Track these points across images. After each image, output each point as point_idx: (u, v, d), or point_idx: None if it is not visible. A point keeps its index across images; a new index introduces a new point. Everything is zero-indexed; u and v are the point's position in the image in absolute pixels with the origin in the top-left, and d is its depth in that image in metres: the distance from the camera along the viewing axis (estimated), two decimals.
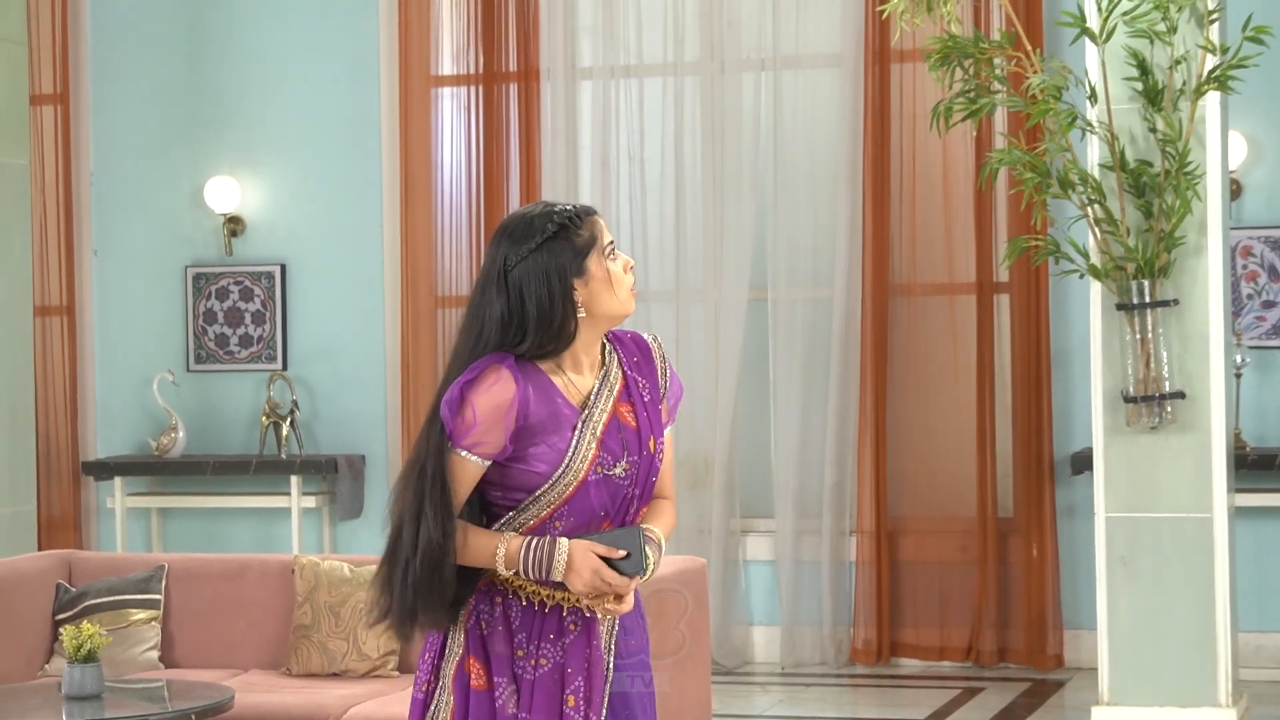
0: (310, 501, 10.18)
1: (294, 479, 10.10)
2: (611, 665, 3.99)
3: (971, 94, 7.53)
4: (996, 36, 7.84)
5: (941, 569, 9.58)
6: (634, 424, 3.99)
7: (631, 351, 4.07)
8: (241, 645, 7.22)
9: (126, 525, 10.36)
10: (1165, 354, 7.38)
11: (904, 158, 9.66)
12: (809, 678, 9.55)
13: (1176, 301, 7.38)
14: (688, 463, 9.87)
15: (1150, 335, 7.37)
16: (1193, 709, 7.43)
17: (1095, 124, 7.40)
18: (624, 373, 4.03)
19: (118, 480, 10.32)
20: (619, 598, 3.91)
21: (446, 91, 10.28)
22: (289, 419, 10.19)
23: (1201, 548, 7.43)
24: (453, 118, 10.26)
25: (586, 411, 3.95)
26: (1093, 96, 7.42)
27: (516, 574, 3.92)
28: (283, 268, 10.41)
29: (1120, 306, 7.39)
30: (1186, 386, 7.41)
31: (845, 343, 9.70)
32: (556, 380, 3.95)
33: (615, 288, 3.96)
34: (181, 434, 10.29)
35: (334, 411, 10.35)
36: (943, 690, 9.10)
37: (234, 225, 10.45)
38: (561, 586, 3.92)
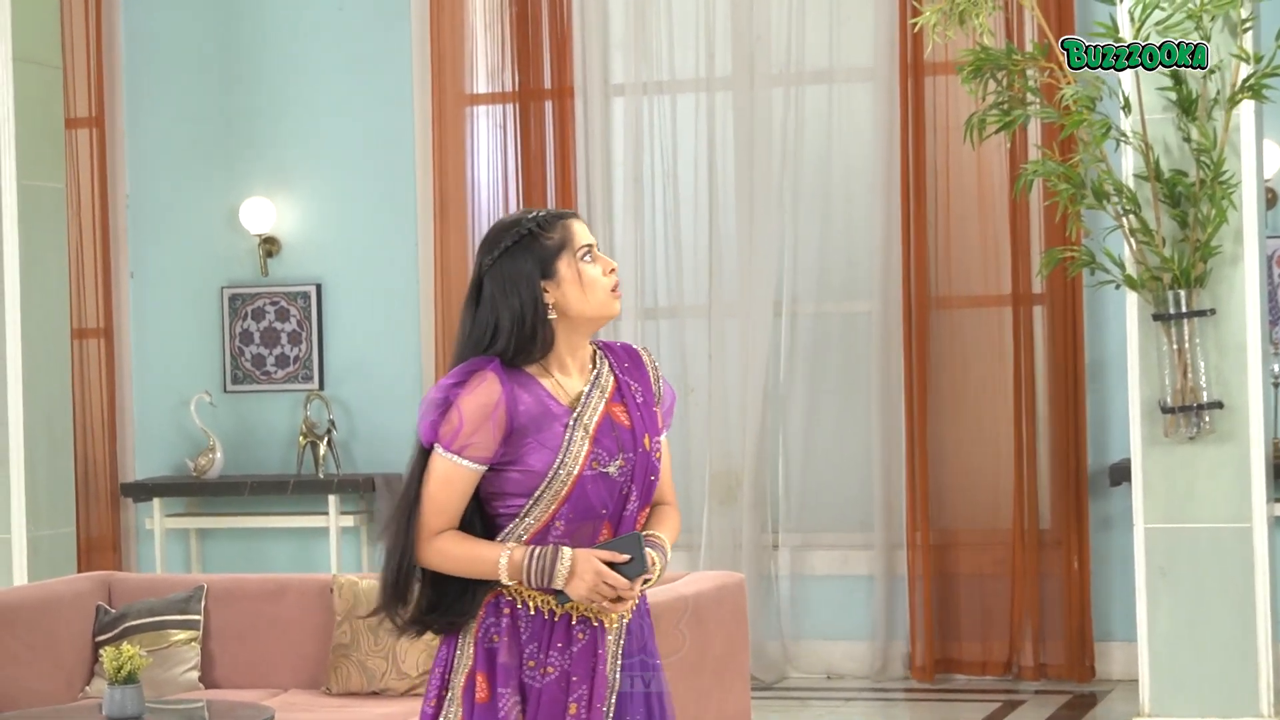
0: (348, 520, 10.19)
1: (331, 498, 10.12)
2: (617, 672, 4.02)
3: (1005, 106, 7.52)
4: (1029, 48, 7.83)
5: (980, 582, 9.55)
6: (628, 423, 4.03)
7: (622, 359, 4.11)
8: (281, 665, 7.23)
9: (165, 546, 10.39)
10: (1202, 364, 7.36)
11: (938, 170, 9.65)
12: (849, 692, 9.52)
13: (1213, 311, 7.36)
14: (721, 477, 9.87)
15: (1187, 345, 7.35)
16: None
17: (1129, 134, 7.39)
18: (615, 376, 4.08)
19: (156, 501, 10.34)
20: (619, 600, 3.94)
21: (480, 110, 10.29)
22: (326, 438, 10.21)
23: (1241, 558, 7.40)
24: (487, 136, 10.28)
25: (577, 411, 3.99)
26: (1126, 107, 7.40)
27: (520, 583, 3.95)
28: (318, 287, 10.43)
29: (1157, 317, 7.38)
30: (1224, 396, 7.39)
31: (884, 356, 9.68)
32: (545, 382, 4.00)
33: (587, 290, 3.99)
34: (219, 455, 10.31)
35: (371, 430, 10.36)
36: (982, 704, 9.07)
37: (269, 246, 10.48)
38: (566, 595, 3.95)
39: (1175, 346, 7.35)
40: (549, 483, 3.95)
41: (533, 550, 3.93)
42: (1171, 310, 7.34)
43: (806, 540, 9.83)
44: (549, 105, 10.11)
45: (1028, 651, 9.48)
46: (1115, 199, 7.41)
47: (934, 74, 9.60)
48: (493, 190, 10.22)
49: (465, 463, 3.94)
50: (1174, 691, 7.45)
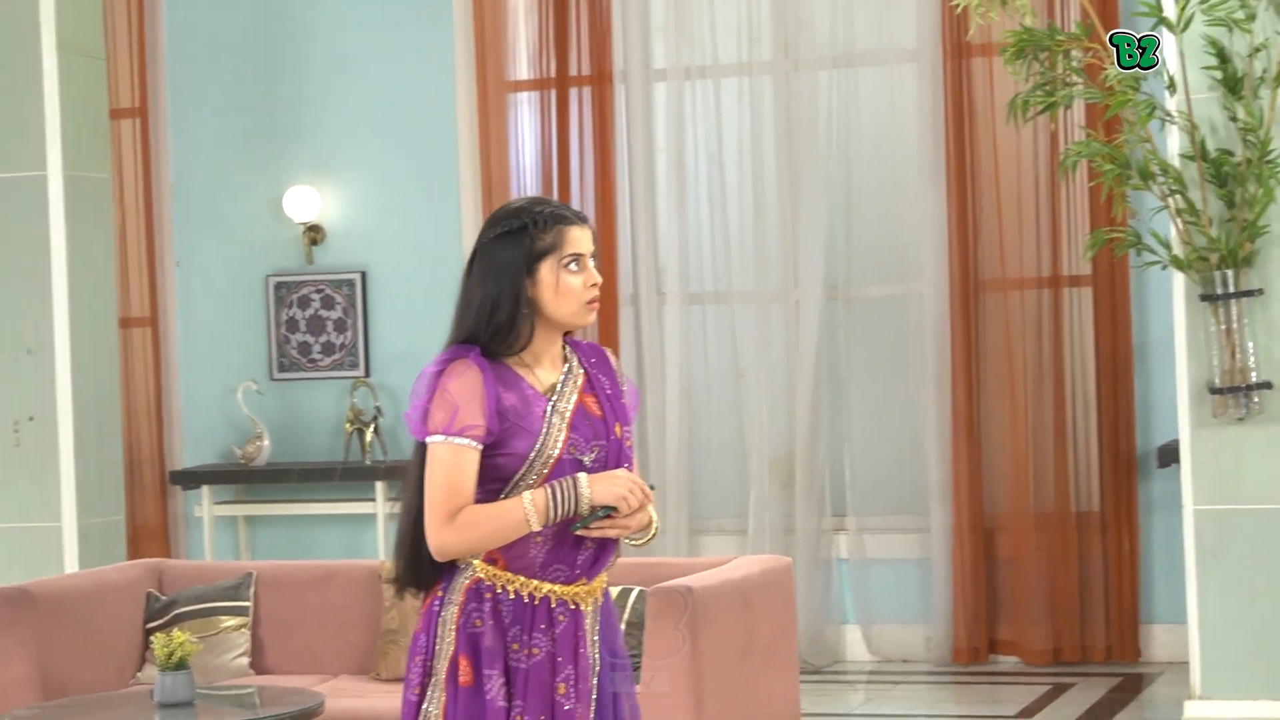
0: (395, 507, 10.20)
1: (378, 485, 10.14)
2: (596, 653, 4.11)
3: (1048, 87, 7.50)
4: (1072, 28, 7.80)
5: (1027, 565, 9.53)
6: (599, 412, 4.13)
7: (589, 354, 4.22)
8: (330, 651, 7.25)
9: (214, 534, 10.43)
10: (1251, 344, 7.33)
11: (983, 153, 9.62)
12: (898, 675, 9.52)
13: (1261, 291, 7.33)
14: (776, 464, 9.86)
15: (1235, 326, 7.32)
16: None
17: (1174, 114, 7.36)
18: (585, 369, 4.18)
19: (205, 489, 10.39)
20: (626, 521, 4.05)
21: (522, 96, 10.30)
22: (372, 425, 10.23)
23: None
24: (529, 122, 10.28)
25: (553, 398, 4.09)
26: (1171, 86, 7.38)
27: (546, 524, 4.00)
28: (363, 275, 10.45)
29: (1204, 297, 7.35)
30: (1273, 377, 7.36)
31: (934, 339, 9.66)
32: (521, 372, 4.10)
33: (561, 298, 4.09)
34: (267, 442, 10.35)
35: None
36: (1032, 687, 9.06)
37: (314, 234, 10.51)
38: (549, 577, 4.05)
39: (1223, 327, 7.33)
40: (529, 465, 4.03)
41: (550, 486, 4.01)
42: (1219, 291, 7.31)
43: (860, 524, 9.82)
44: (590, 91, 10.11)
45: (1075, 634, 9.46)
46: (1161, 179, 7.38)
47: (977, 56, 9.56)
48: (535, 176, 10.23)
49: (467, 442, 4.01)
50: (1224, 673, 7.42)
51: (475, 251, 4.12)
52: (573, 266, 4.09)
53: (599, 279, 4.13)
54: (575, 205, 10.09)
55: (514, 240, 4.07)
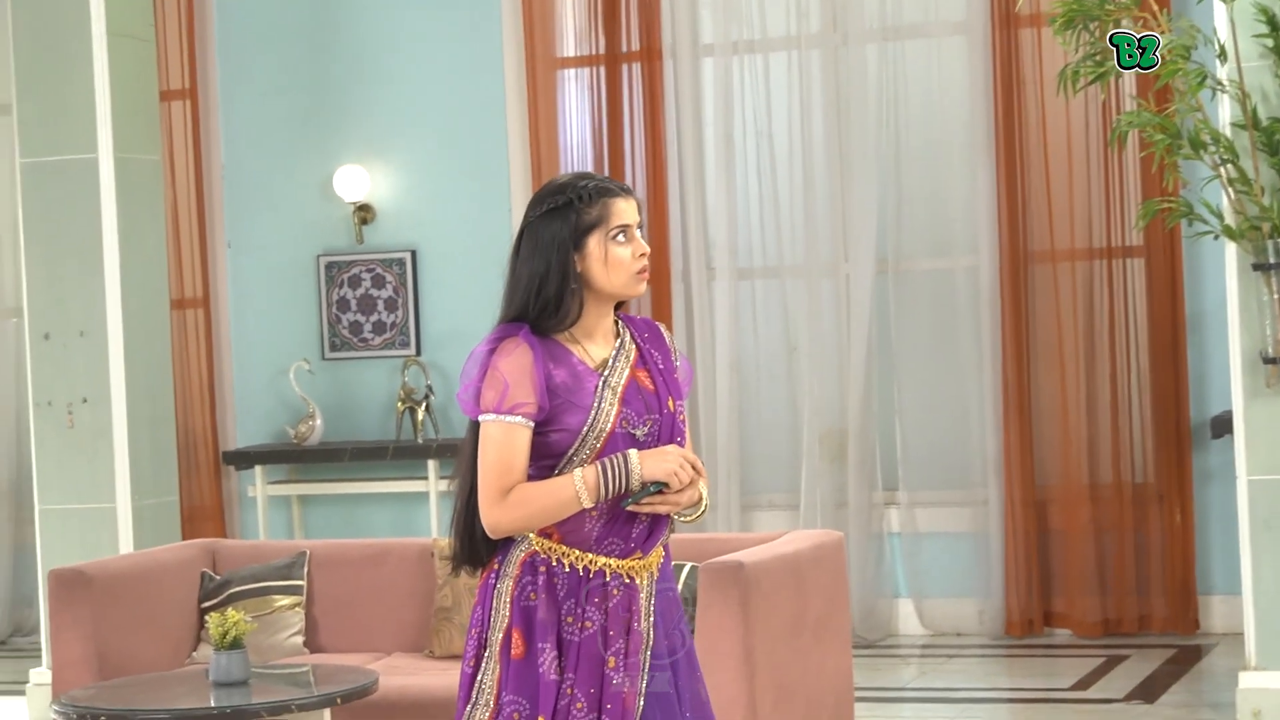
0: (447, 485, 10.22)
1: (430, 463, 10.17)
2: (650, 629, 4.11)
3: (1098, 57, 7.46)
4: None
5: (1081, 537, 9.50)
6: (652, 387, 4.14)
7: (642, 329, 4.23)
8: (383, 629, 7.28)
9: (268, 513, 10.47)
10: None
11: (1033, 124, 9.58)
12: (951, 649, 9.51)
13: None
14: (827, 438, 9.85)
15: None
16: None
17: (1225, 83, 7.31)
18: (637, 344, 4.19)
19: (258, 469, 10.43)
20: (676, 497, 4.06)
21: (570, 73, 10.30)
22: (424, 404, 10.26)
23: None
24: (577, 99, 10.28)
25: (605, 373, 4.10)
26: (1222, 55, 7.33)
27: (598, 500, 4.02)
28: (413, 254, 10.47)
29: (1257, 267, 7.30)
30: None
31: (988, 311, 9.63)
32: (572, 348, 4.11)
33: (611, 269, 4.10)
34: (319, 422, 10.39)
35: None
36: (1086, 659, 9.04)
37: (364, 213, 10.53)
38: (604, 551, 4.06)
39: (1276, 296, 7.28)
40: (582, 440, 4.05)
41: (601, 462, 4.02)
42: (1271, 260, 7.26)
43: (911, 498, 9.81)
44: (638, 67, 10.11)
45: (1129, 607, 9.43)
46: (1212, 148, 7.33)
47: (1025, 27, 9.52)
48: (584, 153, 10.22)
49: (519, 419, 4.03)
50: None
51: (522, 230, 4.13)
52: (620, 238, 4.10)
53: (647, 248, 4.14)
54: (625, 181, 10.08)
55: (560, 216, 4.08)
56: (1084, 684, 8.54)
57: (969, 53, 9.68)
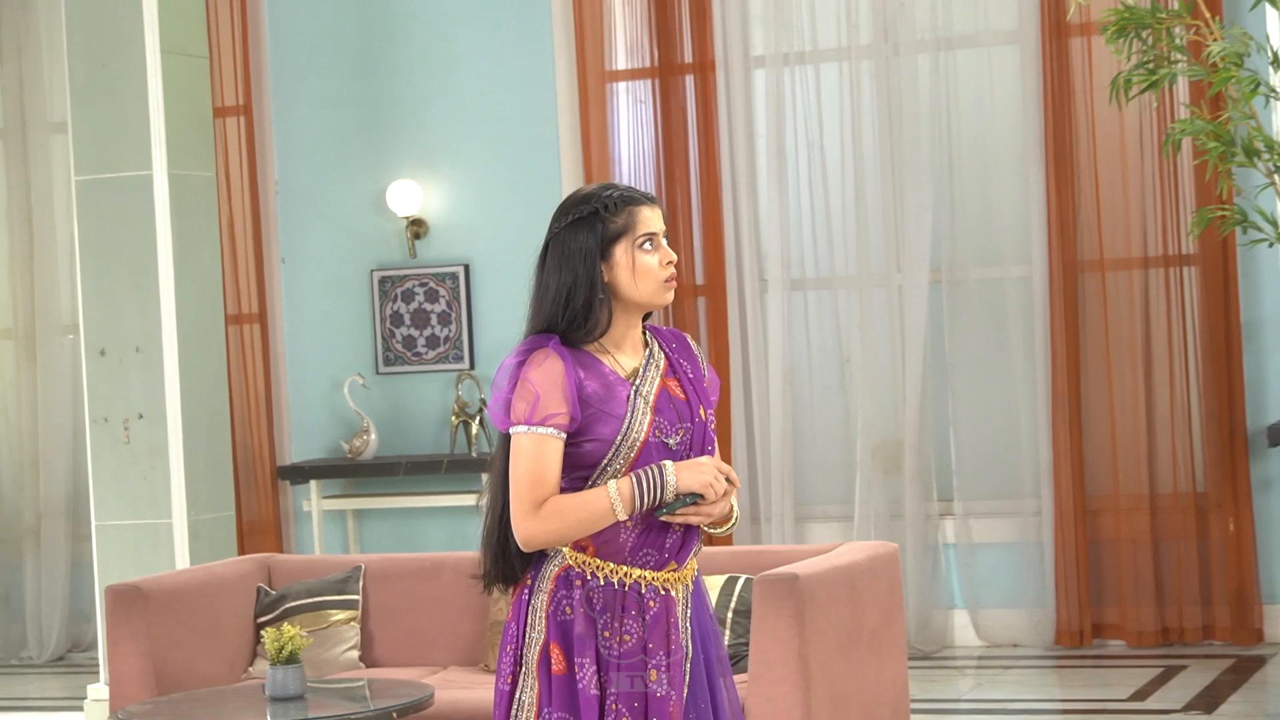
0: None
1: (484, 477, 10.15)
2: (689, 640, 4.10)
3: (1150, 65, 7.43)
4: (1174, 5, 7.72)
5: (1137, 547, 9.46)
6: (683, 396, 4.15)
7: (669, 340, 4.23)
8: (439, 643, 7.29)
9: (323, 528, 10.50)
10: None
11: (1085, 133, 9.55)
12: (1007, 660, 9.47)
13: None
14: (881, 449, 9.84)
15: None
16: None
17: (1279, 89, 7.27)
18: (666, 353, 4.19)
19: (313, 484, 10.46)
20: (709, 509, 4.04)
21: (622, 86, 10.31)
22: (477, 417, 10.28)
23: None
24: (628, 112, 10.29)
25: (637, 382, 4.10)
26: (1275, 62, 7.29)
27: (632, 512, 4.01)
28: (466, 268, 10.50)
29: None
30: None
31: (1043, 321, 9.60)
32: (603, 358, 4.11)
33: (638, 279, 4.09)
34: (373, 436, 10.41)
35: None
36: (1143, 669, 9.00)
37: (417, 227, 10.56)
38: (639, 563, 4.05)
39: None
40: (616, 450, 4.04)
41: (636, 474, 4.02)
42: None
43: (966, 508, 9.78)
44: (690, 79, 10.11)
45: (1187, 616, 9.38)
46: (1266, 155, 7.29)
47: (1076, 36, 9.50)
48: (635, 166, 10.24)
49: (550, 431, 4.02)
50: None
51: (547, 242, 4.13)
52: (647, 246, 4.11)
53: (674, 256, 4.14)
54: (677, 194, 10.09)
55: (586, 226, 4.09)
56: (1141, 695, 8.50)
57: (1020, 62, 9.66)
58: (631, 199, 4.11)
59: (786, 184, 10.02)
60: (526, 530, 4.04)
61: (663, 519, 4.04)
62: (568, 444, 4.04)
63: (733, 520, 4.14)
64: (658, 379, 4.13)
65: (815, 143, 10.02)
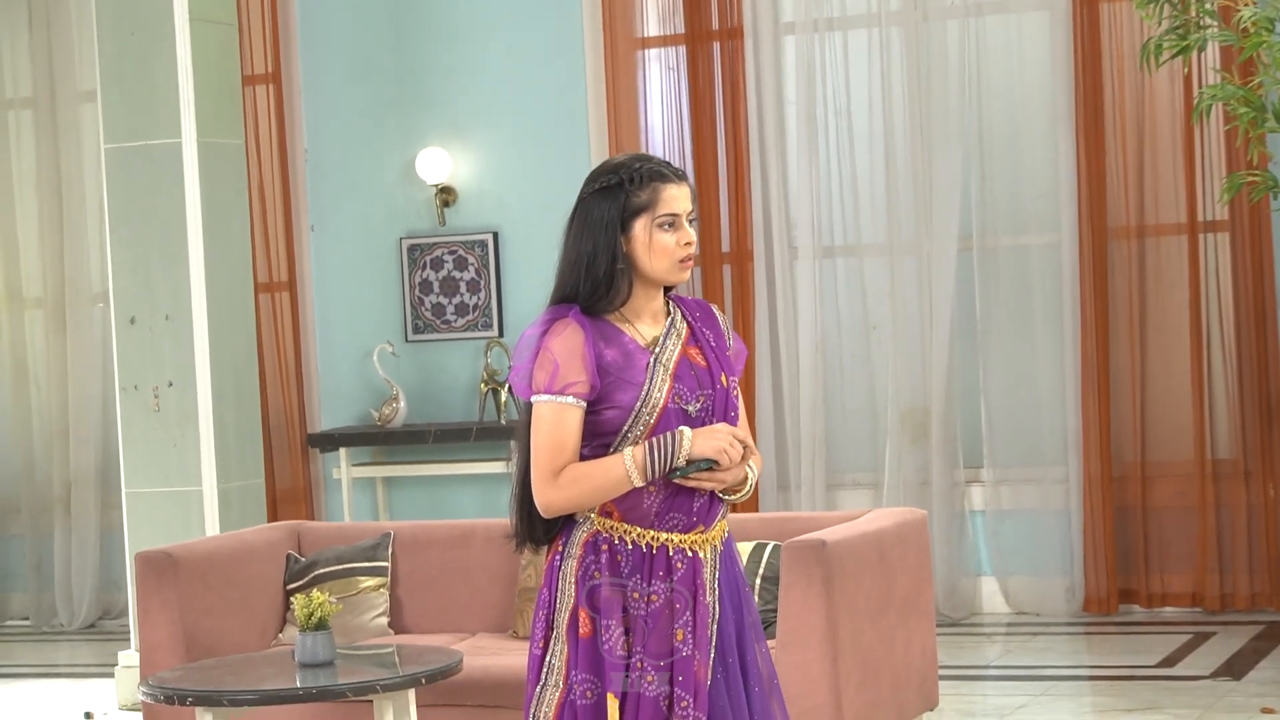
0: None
1: (514, 444, 10.16)
2: (715, 602, 4.13)
3: (1181, 30, 7.40)
4: None
5: (1167, 514, 9.45)
6: (704, 364, 4.17)
7: (693, 309, 4.25)
8: (468, 609, 7.30)
9: (352, 495, 10.52)
10: None
11: (1114, 99, 9.52)
12: (1036, 627, 9.47)
13: None
14: (909, 416, 9.83)
15: None
16: None
17: None
18: (689, 323, 4.21)
19: (343, 451, 10.48)
20: (723, 475, 4.06)
21: (652, 53, 10.30)
22: (507, 385, 10.29)
23: None
24: (658, 79, 10.28)
25: (656, 351, 4.13)
26: None
27: (647, 479, 4.03)
28: (495, 235, 10.50)
29: None
30: None
31: (1072, 288, 9.57)
32: (623, 328, 4.14)
33: (654, 256, 4.12)
34: (403, 404, 10.43)
35: None
36: (1172, 636, 8.99)
37: (446, 195, 10.56)
38: (666, 526, 4.08)
39: None
40: (635, 417, 4.07)
41: (650, 441, 4.05)
42: None
43: (995, 476, 9.78)
44: (719, 46, 10.10)
45: (1217, 583, 9.37)
46: None
47: (1105, 1, 9.45)
48: (665, 133, 10.23)
49: (570, 400, 4.06)
50: None
51: (575, 206, 4.17)
52: (666, 225, 4.12)
53: (693, 238, 4.16)
54: (705, 161, 10.08)
55: (610, 196, 4.12)
56: (1170, 661, 8.49)
57: (1050, 28, 9.63)
58: (659, 174, 4.13)
59: (816, 151, 10.00)
60: (546, 497, 4.09)
61: (675, 481, 4.06)
62: (588, 412, 4.08)
63: (747, 488, 4.15)
64: (679, 347, 4.15)
65: (844, 109, 10.00)
